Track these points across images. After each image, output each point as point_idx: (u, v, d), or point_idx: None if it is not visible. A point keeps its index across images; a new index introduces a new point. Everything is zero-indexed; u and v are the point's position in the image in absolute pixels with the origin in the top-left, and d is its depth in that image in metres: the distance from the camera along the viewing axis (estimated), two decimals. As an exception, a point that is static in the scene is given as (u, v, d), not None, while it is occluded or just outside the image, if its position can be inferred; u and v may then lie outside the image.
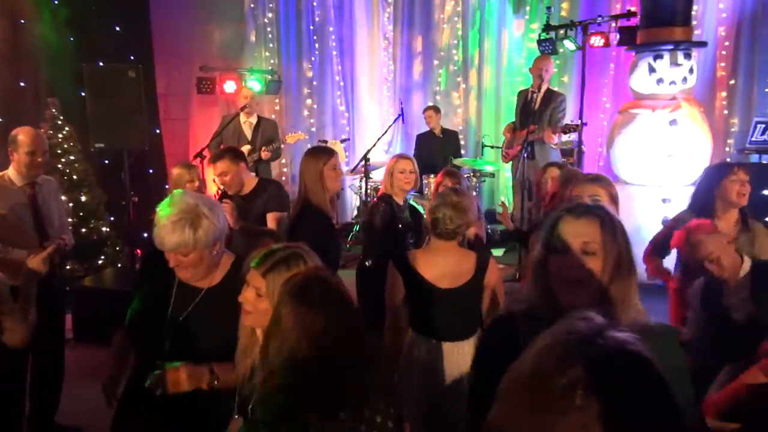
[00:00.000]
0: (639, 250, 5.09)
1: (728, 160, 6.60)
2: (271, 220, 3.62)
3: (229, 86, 7.18)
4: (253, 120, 5.89)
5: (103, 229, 5.78)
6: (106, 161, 6.21)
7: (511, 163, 6.23)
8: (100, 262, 5.65)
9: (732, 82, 7.03)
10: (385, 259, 2.73)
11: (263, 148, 5.64)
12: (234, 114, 5.87)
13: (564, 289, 1.36)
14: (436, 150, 6.73)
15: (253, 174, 3.83)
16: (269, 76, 7.52)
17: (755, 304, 2.32)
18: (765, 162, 5.68)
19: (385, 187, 3.54)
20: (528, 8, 7.72)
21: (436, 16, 8.02)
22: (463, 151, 7.55)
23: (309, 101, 8.26)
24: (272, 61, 8.08)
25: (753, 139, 5.54)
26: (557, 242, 1.37)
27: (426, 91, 8.16)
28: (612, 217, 1.40)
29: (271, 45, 8.10)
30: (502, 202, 4.36)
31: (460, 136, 7.64)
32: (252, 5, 7.94)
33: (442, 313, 2.50)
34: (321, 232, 2.95)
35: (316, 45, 8.17)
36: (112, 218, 6.00)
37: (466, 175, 6.56)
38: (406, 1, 8.04)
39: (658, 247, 3.27)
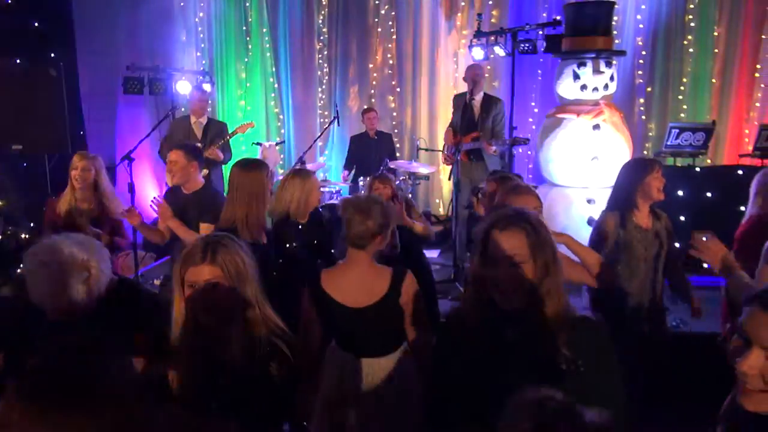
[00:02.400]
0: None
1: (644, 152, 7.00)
2: (204, 230, 3.54)
3: (158, 87, 6.97)
4: (203, 120, 5.88)
5: (23, 235, 5.48)
6: (25, 164, 5.90)
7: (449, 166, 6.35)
8: (18, 270, 5.35)
9: (649, 89, 7.46)
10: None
11: (210, 147, 5.64)
12: (184, 115, 5.93)
13: (500, 297, 1.48)
14: (370, 152, 6.77)
15: (202, 179, 3.80)
16: (200, 77, 7.36)
17: None
18: (679, 165, 6.05)
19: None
20: (460, 14, 7.90)
21: (370, 20, 8.08)
22: (398, 154, 7.64)
23: (242, 103, 8.14)
24: (204, 62, 7.91)
25: (668, 143, 5.88)
26: (489, 256, 1.48)
27: (361, 93, 8.20)
28: (536, 224, 1.50)
29: (202, 45, 7.92)
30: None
31: (395, 139, 7.73)
32: (182, 4, 7.74)
33: (355, 331, 2.37)
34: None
35: (249, 46, 8.05)
36: (32, 224, 5.70)
37: (401, 178, 6.64)
38: (340, 3, 8.06)
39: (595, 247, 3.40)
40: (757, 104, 7.13)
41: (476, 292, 1.53)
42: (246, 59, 8.07)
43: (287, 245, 3.27)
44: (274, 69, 8.12)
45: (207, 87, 6.01)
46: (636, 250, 3.12)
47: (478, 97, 6.04)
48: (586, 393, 1.02)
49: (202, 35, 7.91)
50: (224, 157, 5.86)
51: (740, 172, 5.58)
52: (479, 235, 1.53)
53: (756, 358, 1.14)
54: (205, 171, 5.67)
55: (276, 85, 8.16)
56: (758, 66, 7.13)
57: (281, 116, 8.21)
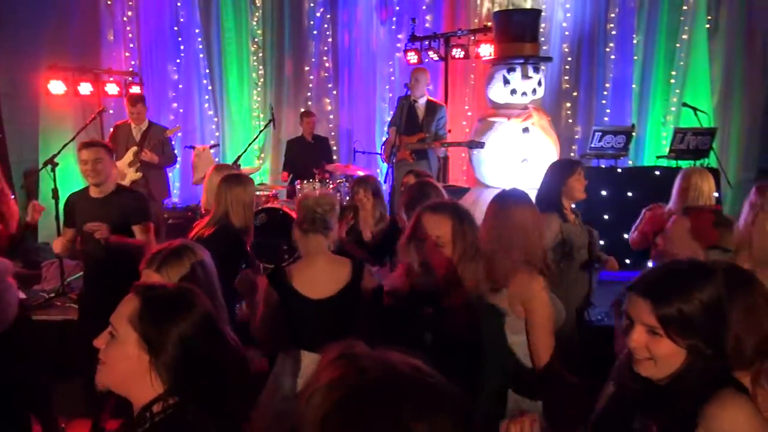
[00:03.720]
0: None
1: (571, 155, 7.33)
2: (138, 233, 3.49)
3: (84, 88, 6.72)
4: (143, 126, 5.79)
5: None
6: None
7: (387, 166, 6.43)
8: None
9: (575, 93, 7.80)
10: None
11: (145, 150, 5.55)
12: (124, 121, 5.86)
13: (423, 271, 1.70)
14: (307, 156, 6.76)
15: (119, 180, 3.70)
16: (129, 78, 7.14)
17: None
18: (603, 166, 6.36)
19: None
20: (394, 19, 8.01)
21: (305, 23, 8.06)
22: (335, 157, 7.65)
23: (175, 105, 7.94)
24: (133, 62, 7.66)
25: (592, 145, 6.17)
26: (419, 233, 1.71)
27: (297, 96, 8.16)
28: (462, 214, 1.74)
29: (131, 45, 7.68)
30: None
31: (332, 142, 7.74)
32: (109, 2, 7.48)
33: (314, 323, 2.42)
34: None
35: (181, 47, 7.87)
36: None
37: (338, 181, 6.66)
38: (275, 5, 8.00)
39: None
40: (673, 109, 7.58)
41: (405, 266, 1.76)
42: (178, 60, 7.89)
43: None
44: (207, 71, 7.97)
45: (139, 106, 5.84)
46: (575, 243, 3.28)
47: (422, 100, 6.17)
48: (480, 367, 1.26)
49: (131, 35, 7.66)
50: (164, 161, 5.84)
51: (657, 172, 5.93)
52: (411, 216, 1.75)
53: (638, 334, 1.36)
54: (139, 174, 5.58)
55: (210, 87, 8.01)
56: (673, 72, 7.59)
57: (215, 119, 8.07)
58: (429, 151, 6.11)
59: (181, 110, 7.94)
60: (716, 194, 5.69)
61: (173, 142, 6.22)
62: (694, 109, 6.48)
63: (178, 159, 7.63)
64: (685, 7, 7.46)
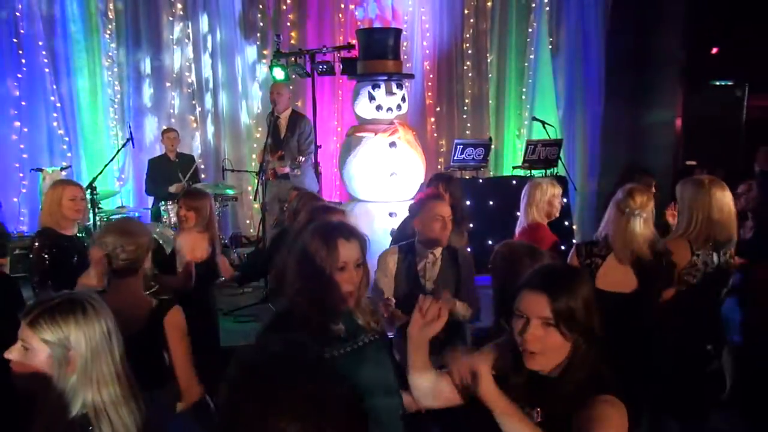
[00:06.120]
0: (373, 261, 5.60)
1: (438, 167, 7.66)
2: None
3: None
4: None
5: None
6: None
7: (256, 185, 6.29)
8: None
9: (438, 109, 8.19)
10: None
11: None
12: None
13: (343, 296, 1.77)
14: (171, 175, 6.46)
15: None
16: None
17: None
18: (467, 177, 6.70)
19: (45, 219, 3.21)
20: (259, 35, 7.92)
21: (165, 37, 7.71)
22: (203, 176, 7.38)
23: (17, 123, 7.22)
24: (-36, 78, 6.89)
25: (455, 158, 6.48)
26: (340, 263, 1.75)
27: (159, 114, 7.77)
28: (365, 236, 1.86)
29: (-39, 58, 6.89)
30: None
31: (199, 160, 7.46)
32: (-69, 10, 6.67)
33: None
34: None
35: (23, 61, 7.19)
36: None
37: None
38: (130, 18, 7.57)
39: None
40: (525, 122, 8.20)
41: (316, 296, 1.76)
42: (20, 75, 7.19)
43: None
44: (54, 87, 7.34)
45: None
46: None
47: (284, 115, 6.06)
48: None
49: (-40, 46, 6.88)
50: None
51: (514, 182, 6.36)
52: (322, 246, 1.76)
53: (535, 328, 1.49)
54: None
55: (58, 104, 7.37)
56: (524, 89, 8.23)
57: (66, 138, 7.44)
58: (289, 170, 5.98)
59: (25, 129, 7.22)
60: (565, 200, 6.26)
61: (17, 165, 5.63)
62: (542, 123, 7.05)
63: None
64: (530, 30, 8.13)
